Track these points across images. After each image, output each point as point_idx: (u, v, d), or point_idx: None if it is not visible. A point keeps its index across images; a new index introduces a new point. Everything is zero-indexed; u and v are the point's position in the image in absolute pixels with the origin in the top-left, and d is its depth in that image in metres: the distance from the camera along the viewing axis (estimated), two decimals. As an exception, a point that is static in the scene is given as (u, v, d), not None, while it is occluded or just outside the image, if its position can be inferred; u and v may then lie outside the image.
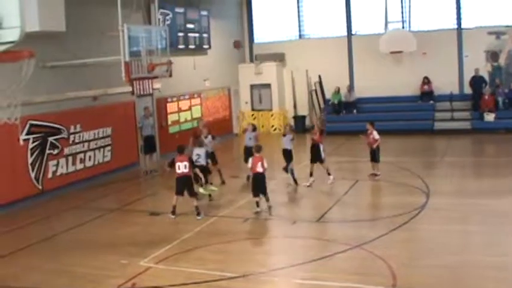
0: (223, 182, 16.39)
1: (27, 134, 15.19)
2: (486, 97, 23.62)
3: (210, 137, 16.01)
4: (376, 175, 16.22)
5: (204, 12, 22.80)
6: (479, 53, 22.96)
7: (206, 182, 15.01)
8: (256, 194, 13.47)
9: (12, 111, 8.06)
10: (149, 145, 19.00)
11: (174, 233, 12.10)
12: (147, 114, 19.24)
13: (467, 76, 24.58)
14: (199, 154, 14.55)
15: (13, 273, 10.22)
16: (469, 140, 22.39)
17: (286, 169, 16.04)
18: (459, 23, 25.05)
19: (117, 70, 14.34)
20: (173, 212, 13.32)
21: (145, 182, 17.88)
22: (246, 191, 15.56)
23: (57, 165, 16.27)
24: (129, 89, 16.09)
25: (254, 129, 17.15)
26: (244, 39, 28.62)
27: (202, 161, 14.53)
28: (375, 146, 16.14)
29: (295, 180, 15.84)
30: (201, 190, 14.78)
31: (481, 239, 10.97)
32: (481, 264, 9.54)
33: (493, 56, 22.62)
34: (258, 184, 13.45)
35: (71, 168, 16.79)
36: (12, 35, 7.03)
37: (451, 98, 24.67)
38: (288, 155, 16.00)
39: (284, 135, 16.43)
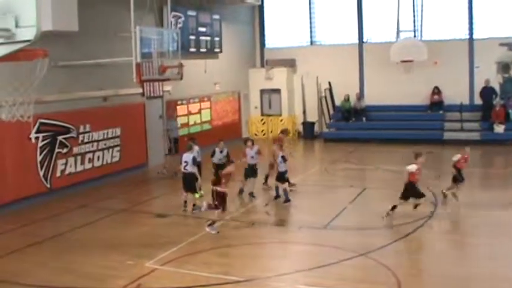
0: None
1: (37, 132, 15.27)
2: (497, 108, 23.56)
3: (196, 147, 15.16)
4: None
5: (216, 16, 22.85)
6: (490, 64, 22.86)
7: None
8: None
9: (25, 109, 8.13)
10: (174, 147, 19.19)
11: (181, 235, 12.12)
12: (171, 117, 19.20)
13: (478, 87, 24.51)
14: (186, 161, 13.82)
15: (20, 270, 10.28)
16: (478, 151, 22.17)
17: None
18: (471, 34, 25.01)
19: (128, 71, 14.39)
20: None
21: (154, 183, 17.90)
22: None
23: (65, 164, 16.34)
24: (140, 90, 16.19)
25: (253, 144, 15.88)
26: (256, 44, 28.69)
27: (189, 168, 13.77)
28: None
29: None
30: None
31: (488, 250, 10.91)
32: (487, 276, 9.49)
33: (505, 67, 22.50)
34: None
35: (80, 168, 16.87)
36: (28, 34, 7.08)
37: (461, 108, 24.57)
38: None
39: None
